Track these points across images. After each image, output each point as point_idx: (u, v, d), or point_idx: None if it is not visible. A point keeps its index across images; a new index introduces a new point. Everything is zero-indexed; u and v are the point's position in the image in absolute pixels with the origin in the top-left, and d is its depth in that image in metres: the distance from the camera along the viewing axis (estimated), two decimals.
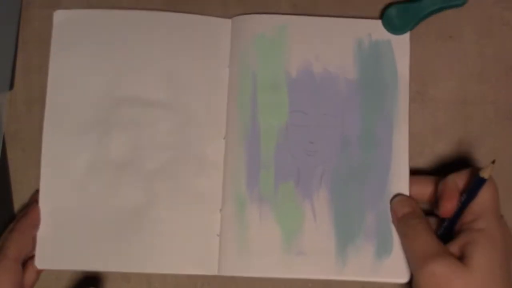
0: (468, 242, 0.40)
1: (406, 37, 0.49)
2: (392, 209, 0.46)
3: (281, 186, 0.48)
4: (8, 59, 0.49)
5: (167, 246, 0.47)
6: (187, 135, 0.49)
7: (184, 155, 0.49)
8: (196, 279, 0.48)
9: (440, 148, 0.50)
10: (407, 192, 0.47)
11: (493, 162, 0.40)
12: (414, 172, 0.48)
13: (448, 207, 0.43)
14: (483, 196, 0.41)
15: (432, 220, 0.46)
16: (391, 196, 0.47)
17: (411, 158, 0.49)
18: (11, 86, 0.49)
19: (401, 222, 0.45)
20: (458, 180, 0.43)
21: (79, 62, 0.49)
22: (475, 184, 0.41)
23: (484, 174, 0.41)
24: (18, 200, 0.49)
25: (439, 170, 0.50)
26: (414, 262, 0.42)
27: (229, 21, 0.49)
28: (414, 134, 0.49)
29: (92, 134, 0.48)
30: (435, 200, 0.45)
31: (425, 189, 0.46)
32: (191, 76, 0.49)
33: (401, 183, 0.47)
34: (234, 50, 0.49)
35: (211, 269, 0.47)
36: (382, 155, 0.48)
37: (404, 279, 0.45)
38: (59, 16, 0.49)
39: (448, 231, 0.43)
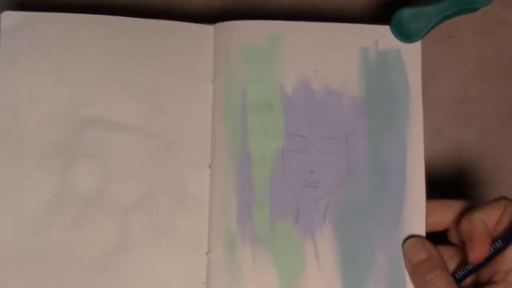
0: None
1: (417, 45, 0.43)
2: (405, 255, 0.40)
3: (277, 223, 0.42)
4: None
5: None
6: (165, 164, 0.42)
7: (163, 187, 0.42)
8: None
9: (440, 148, 0.50)
10: (423, 229, 0.41)
11: None
12: None
13: (479, 254, 0.37)
14: None
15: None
16: (405, 234, 0.41)
17: None
18: None
19: (416, 273, 0.39)
20: (486, 219, 0.38)
21: (34, 77, 0.42)
22: None
23: None
24: None
25: (439, 170, 0.51)
26: None
27: (211, 28, 0.43)
28: None
29: (52, 163, 0.42)
30: (456, 232, 0.41)
31: (443, 218, 0.41)
32: (169, 93, 0.43)
33: (416, 218, 0.41)
34: (218, 62, 0.43)
35: None
36: (394, 184, 0.42)
37: None
38: (9, 19, 0.41)
39: (470, 274, 0.39)
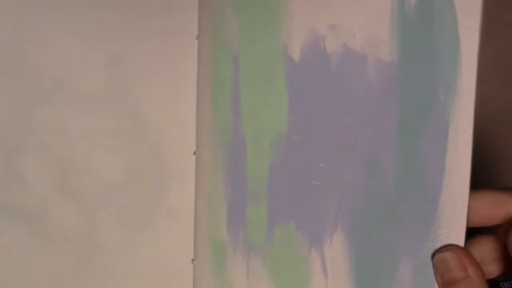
0: None
1: None
2: (435, 270, 0.32)
3: (277, 229, 0.34)
4: None
5: None
6: (139, 150, 0.35)
7: (138, 182, 0.35)
8: None
9: None
10: (462, 236, 0.32)
11: None
12: None
13: None
14: None
15: None
16: (439, 242, 0.32)
17: None
18: None
19: None
20: None
21: None
22: None
23: None
24: None
25: None
26: None
27: None
28: None
29: None
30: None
31: (491, 215, 0.33)
32: (141, 56, 0.34)
33: (454, 223, 0.31)
34: (204, 15, 0.34)
35: None
36: (428, 179, 0.31)
37: None
38: None
39: None
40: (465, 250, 0.31)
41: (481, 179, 0.48)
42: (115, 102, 0.35)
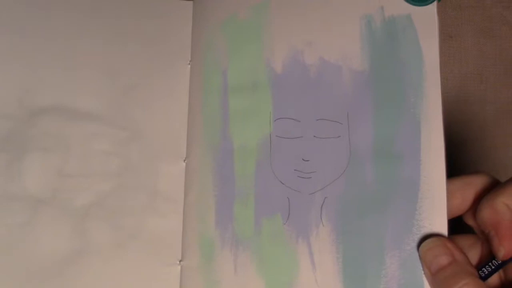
0: None
1: (432, 9, 0.35)
2: (422, 260, 0.32)
3: (264, 222, 0.35)
4: None
5: None
6: (132, 157, 0.37)
7: (128, 185, 0.37)
8: None
9: None
10: (445, 226, 0.32)
11: None
12: None
13: (510, 248, 0.31)
14: None
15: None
16: (422, 233, 0.32)
17: None
18: None
19: (439, 281, 0.31)
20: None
21: None
22: None
23: None
24: None
25: None
26: None
27: (189, 4, 0.38)
28: None
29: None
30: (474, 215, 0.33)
31: (463, 199, 0.34)
32: (138, 76, 0.37)
33: (435, 213, 0.32)
34: (197, 40, 0.37)
35: None
36: (407, 173, 0.33)
37: None
38: None
39: (497, 270, 0.33)
40: (448, 237, 0.32)
41: None
42: (115, 114, 0.37)
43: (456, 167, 0.49)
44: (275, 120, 0.36)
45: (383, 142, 0.34)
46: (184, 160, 0.37)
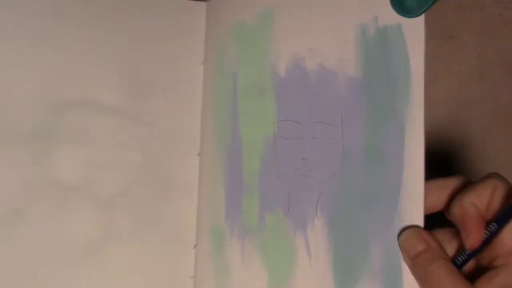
0: (506, 284, 0.34)
1: (420, 20, 0.39)
2: (402, 249, 0.37)
3: (267, 216, 0.39)
4: None
5: None
6: (152, 151, 0.40)
7: (149, 177, 0.40)
8: None
9: (440, 148, 0.49)
10: (421, 219, 0.37)
11: None
12: None
13: (474, 240, 0.36)
14: None
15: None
16: (402, 225, 0.37)
17: None
18: None
19: (416, 266, 0.36)
20: (477, 201, 0.36)
21: (6, 53, 0.38)
22: (507, 212, 0.35)
23: None
24: None
25: (439, 171, 0.50)
26: None
27: (203, 4, 0.41)
28: None
29: (28, 147, 0.38)
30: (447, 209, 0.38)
31: (439, 199, 0.39)
32: (157, 75, 0.40)
33: (414, 209, 0.37)
34: (210, 43, 0.40)
35: None
36: (391, 173, 0.38)
37: None
38: None
39: (470, 259, 0.37)
40: (424, 229, 0.37)
41: None
42: (136, 110, 0.40)
43: (456, 167, 0.49)
44: (278, 122, 0.40)
45: (372, 144, 0.39)
46: (198, 155, 0.40)
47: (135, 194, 0.40)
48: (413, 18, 0.39)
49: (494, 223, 0.36)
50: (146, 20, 0.40)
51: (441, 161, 0.50)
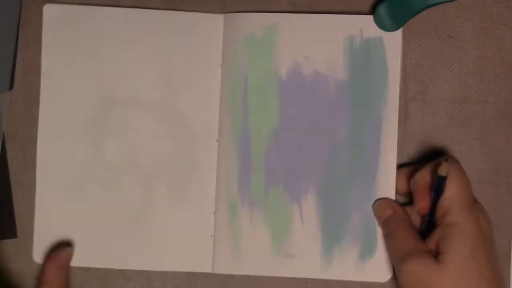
0: (441, 238, 0.41)
1: (398, 33, 0.48)
2: (375, 214, 0.48)
3: (270, 190, 0.49)
4: (8, 59, 0.48)
5: (164, 246, 0.49)
6: (180, 138, 0.49)
7: (179, 158, 0.50)
8: (196, 279, 0.49)
9: (440, 148, 0.49)
10: (393, 193, 0.48)
11: (446, 160, 0.42)
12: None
13: (421, 205, 0.44)
14: (449, 191, 0.42)
15: None
16: (377, 197, 0.48)
17: (410, 158, 0.49)
18: (11, 86, 0.49)
19: (383, 225, 0.47)
20: (426, 177, 0.44)
21: (71, 60, 0.49)
22: (437, 182, 0.42)
23: (442, 172, 0.42)
24: (18, 200, 0.49)
25: None
26: (394, 261, 0.45)
27: (221, 16, 0.49)
28: (414, 134, 0.49)
29: (86, 136, 0.49)
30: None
31: (404, 183, 0.48)
32: (184, 76, 0.49)
33: (388, 184, 0.48)
34: (226, 50, 0.49)
35: (205, 268, 0.49)
36: (370, 156, 0.48)
37: (384, 279, 0.48)
38: (49, 11, 0.48)
39: (429, 226, 0.44)
40: (391, 199, 0.48)
41: (483, 178, 0.49)
42: (168, 105, 0.49)
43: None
44: (280, 116, 0.49)
45: (355, 135, 0.50)
46: (217, 141, 0.49)
47: (168, 173, 0.49)
48: (392, 32, 0.49)
49: (433, 191, 0.44)
50: (175, 33, 0.49)
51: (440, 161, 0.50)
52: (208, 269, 0.49)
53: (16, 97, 0.50)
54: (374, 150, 0.48)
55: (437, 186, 0.42)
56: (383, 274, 0.48)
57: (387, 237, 0.46)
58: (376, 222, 0.48)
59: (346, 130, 0.49)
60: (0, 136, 0.48)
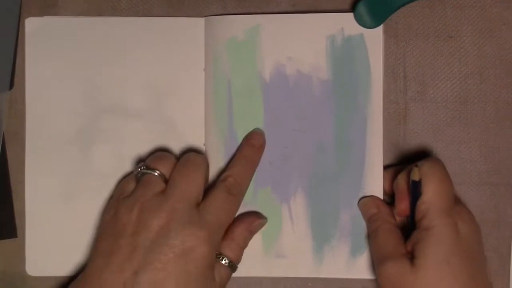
0: (417, 242, 0.41)
1: (379, 30, 0.48)
2: (361, 211, 0.48)
3: (259, 191, 0.49)
4: (8, 59, 0.49)
5: None
6: (168, 143, 0.50)
7: None
8: None
9: (440, 148, 0.49)
10: (381, 191, 0.48)
11: (417, 165, 0.43)
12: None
13: (401, 207, 0.45)
14: (426, 195, 0.42)
15: None
16: (366, 195, 0.48)
17: (411, 157, 0.49)
18: (11, 86, 0.49)
19: (367, 223, 0.47)
20: (406, 179, 0.44)
21: (55, 72, 0.49)
22: (412, 186, 0.43)
23: (414, 177, 0.42)
24: (18, 200, 0.49)
25: None
26: (374, 262, 0.45)
27: (202, 20, 0.49)
28: (414, 134, 0.49)
29: (74, 145, 0.49)
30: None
31: (385, 183, 0.48)
32: (168, 81, 0.49)
33: (375, 182, 0.48)
34: (208, 54, 0.49)
35: None
36: (356, 155, 0.48)
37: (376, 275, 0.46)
38: (31, 24, 0.49)
39: (411, 228, 0.44)
40: (378, 197, 0.48)
41: (483, 178, 0.49)
42: (155, 112, 0.50)
43: (456, 168, 0.49)
44: (265, 118, 0.49)
45: (341, 134, 0.49)
46: (204, 144, 0.49)
47: None
48: (373, 29, 0.49)
49: (411, 194, 0.44)
50: (157, 39, 0.49)
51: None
52: None
53: (16, 97, 0.50)
54: (360, 148, 0.48)
55: (413, 190, 0.43)
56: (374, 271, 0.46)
57: (370, 235, 0.46)
58: (362, 218, 0.48)
59: (331, 129, 0.49)
60: (0, 136, 0.48)
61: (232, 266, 0.44)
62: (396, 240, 0.43)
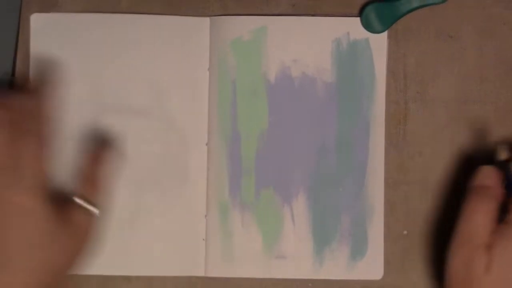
0: (497, 232, 0.40)
1: (384, 35, 0.49)
2: (477, 172, 0.44)
3: (262, 192, 0.49)
4: (8, 57, 0.49)
5: (155, 250, 0.49)
6: (170, 143, 0.49)
7: (170, 162, 0.50)
8: (196, 282, 0.49)
9: (440, 148, 0.49)
10: (382, 193, 0.49)
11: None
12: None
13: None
14: None
15: None
16: (367, 199, 0.49)
17: (411, 157, 0.49)
18: (11, 86, 0.49)
19: (473, 190, 0.43)
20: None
21: (59, 68, 0.49)
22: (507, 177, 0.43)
23: (502, 155, 0.44)
24: None
25: (439, 170, 0.50)
26: (452, 239, 0.42)
27: (207, 19, 0.49)
28: (414, 134, 0.49)
29: (77, 141, 0.49)
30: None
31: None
32: (172, 80, 0.49)
33: (377, 185, 0.49)
34: (213, 54, 0.49)
35: (198, 271, 0.49)
36: (358, 157, 0.49)
37: (377, 276, 0.48)
38: (37, 20, 0.48)
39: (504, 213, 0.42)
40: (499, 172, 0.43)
41: None
42: (158, 111, 0.49)
43: (456, 168, 0.48)
44: (270, 119, 0.49)
45: (343, 136, 0.50)
46: (206, 144, 0.49)
47: (158, 178, 0.49)
48: (378, 34, 0.49)
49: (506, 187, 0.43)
50: (162, 37, 0.49)
51: (440, 160, 0.50)
52: (200, 273, 0.48)
53: None
54: (362, 151, 0.49)
55: (507, 184, 0.42)
56: (375, 274, 0.48)
57: (466, 208, 0.42)
58: (366, 222, 0.48)
59: (334, 132, 0.49)
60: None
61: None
62: (486, 228, 0.41)
